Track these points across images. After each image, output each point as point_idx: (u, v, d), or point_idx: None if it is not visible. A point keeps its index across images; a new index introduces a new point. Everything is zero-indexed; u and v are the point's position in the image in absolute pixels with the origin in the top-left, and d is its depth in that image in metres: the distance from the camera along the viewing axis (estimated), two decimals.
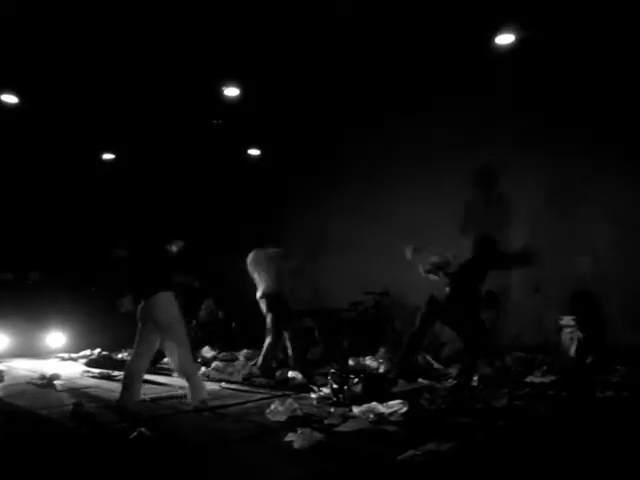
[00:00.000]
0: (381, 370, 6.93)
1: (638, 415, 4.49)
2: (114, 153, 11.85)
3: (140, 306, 5.26)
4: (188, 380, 5.19)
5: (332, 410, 4.88)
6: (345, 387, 5.23)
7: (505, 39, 7.65)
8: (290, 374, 6.68)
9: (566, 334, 7.42)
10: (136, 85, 8.82)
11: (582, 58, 7.79)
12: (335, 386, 5.33)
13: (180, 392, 5.87)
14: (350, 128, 10.48)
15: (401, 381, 6.10)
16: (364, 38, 7.75)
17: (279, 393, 5.84)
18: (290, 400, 4.94)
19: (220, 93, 9.10)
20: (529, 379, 6.07)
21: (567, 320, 7.50)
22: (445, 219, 9.23)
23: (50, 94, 9.05)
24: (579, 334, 7.21)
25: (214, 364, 7.69)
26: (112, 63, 8.20)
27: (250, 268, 7.41)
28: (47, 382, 6.50)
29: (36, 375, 6.78)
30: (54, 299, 10.16)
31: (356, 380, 5.28)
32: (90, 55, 7.99)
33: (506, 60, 7.94)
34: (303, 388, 6.05)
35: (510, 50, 7.74)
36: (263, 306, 7.17)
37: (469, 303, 6.24)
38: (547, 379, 5.98)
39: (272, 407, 4.75)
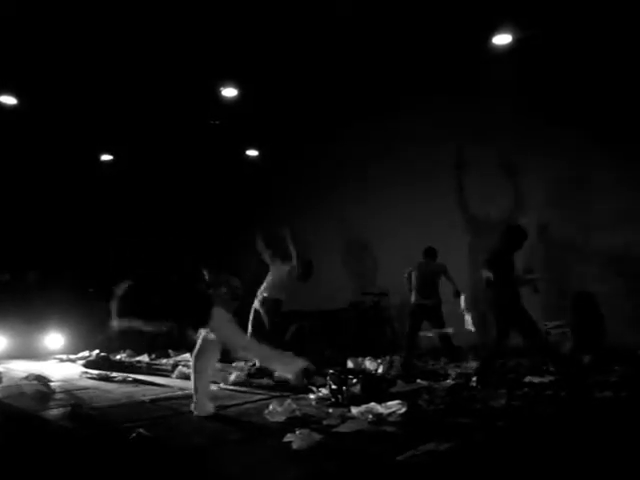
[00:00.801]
0: (380, 371, 6.93)
1: (636, 415, 4.50)
2: (113, 154, 11.85)
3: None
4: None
5: (331, 411, 4.87)
6: (344, 388, 5.23)
7: (502, 39, 7.67)
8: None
9: (555, 336, 7.44)
10: (133, 86, 8.82)
11: (578, 58, 7.81)
12: (334, 387, 5.33)
13: (179, 393, 5.88)
14: (349, 129, 10.49)
15: (400, 381, 6.11)
16: (361, 39, 7.77)
17: (277, 394, 5.83)
18: (289, 401, 4.94)
19: (218, 94, 9.11)
20: (528, 379, 6.07)
21: (552, 324, 7.54)
22: (443, 217, 9.29)
23: (49, 95, 9.05)
24: (568, 334, 7.24)
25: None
26: (110, 64, 8.21)
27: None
28: (42, 384, 6.46)
29: (32, 377, 6.74)
30: (52, 300, 10.14)
31: (355, 381, 5.28)
32: (89, 56, 8.00)
33: (503, 60, 7.98)
34: (302, 389, 6.04)
35: (507, 50, 7.77)
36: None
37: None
38: (546, 379, 5.98)
39: (270, 408, 4.74)
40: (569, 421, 4.29)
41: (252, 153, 12.19)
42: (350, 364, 7.42)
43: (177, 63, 8.23)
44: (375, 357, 7.63)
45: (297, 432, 3.92)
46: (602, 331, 7.14)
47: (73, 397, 5.96)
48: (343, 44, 7.91)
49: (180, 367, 7.48)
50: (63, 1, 6.82)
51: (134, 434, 4.00)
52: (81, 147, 11.06)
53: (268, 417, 4.66)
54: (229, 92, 9.13)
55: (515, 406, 4.83)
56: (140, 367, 8.26)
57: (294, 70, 8.59)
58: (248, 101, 9.34)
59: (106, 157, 11.92)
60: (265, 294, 7.74)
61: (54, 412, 5.19)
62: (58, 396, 6.02)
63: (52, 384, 6.50)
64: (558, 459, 3.41)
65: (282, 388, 6.21)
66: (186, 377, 6.99)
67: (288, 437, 3.89)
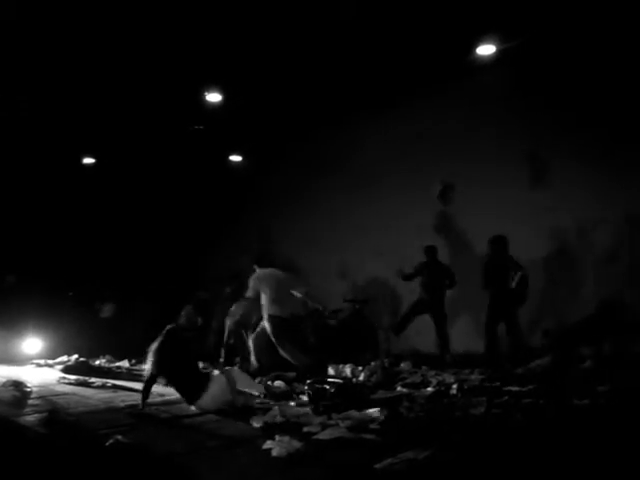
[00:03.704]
0: (361, 378, 6.93)
1: (613, 422, 4.53)
2: (95, 157, 11.77)
3: None
4: None
5: (311, 418, 4.86)
6: (323, 396, 5.22)
7: (486, 50, 7.76)
8: (271, 382, 6.66)
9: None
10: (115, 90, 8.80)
11: (561, 67, 7.90)
12: (312, 396, 5.32)
13: (158, 399, 5.83)
14: (333, 134, 10.54)
15: (380, 389, 6.12)
16: (345, 47, 7.82)
17: (258, 400, 5.81)
18: (271, 408, 4.94)
19: (202, 99, 9.09)
20: (507, 387, 6.09)
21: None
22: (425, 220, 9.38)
23: (30, 97, 8.97)
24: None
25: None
26: (94, 69, 8.17)
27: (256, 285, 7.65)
28: (19, 390, 6.34)
29: (9, 383, 6.63)
30: (31, 304, 10.01)
31: (334, 389, 5.27)
32: (73, 61, 7.95)
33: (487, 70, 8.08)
34: (283, 395, 6.03)
35: (491, 60, 7.87)
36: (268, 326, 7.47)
37: None
38: (525, 387, 6.01)
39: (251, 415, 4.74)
40: (546, 429, 4.31)
41: (234, 159, 12.21)
42: (331, 371, 7.42)
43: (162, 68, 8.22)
44: (357, 364, 7.63)
45: (277, 439, 3.91)
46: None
47: (50, 403, 5.90)
48: (330, 49, 7.94)
49: None
50: (46, 5, 6.76)
51: (111, 440, 3.95)
52: (62, 151, 10.98)
53: (249, 423, 4.64)
54: (213, 97, 9.10)
55: (494, 414, 4.84)
56: (120, 373, 8.16)
57: (277, 75, 8.61)
58: (231, 106, 9.33)
59: (88, 160, 11.82)
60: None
61: (30, 418, 5.12)
62: (35, 402, 5.94)
63: (29, 389, 6.40)
64: (535, 467, 3.43)
65: (264, 395, 6.18)
66: (166, 383, 6.94)
67: (268, 444, 3.87)
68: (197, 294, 10.29)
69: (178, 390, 5.57)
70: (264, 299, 7.55)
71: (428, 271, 8.61)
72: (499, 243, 7.85)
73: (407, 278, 8.83)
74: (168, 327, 5.74)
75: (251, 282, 7.69)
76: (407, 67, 8.33)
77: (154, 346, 5.54)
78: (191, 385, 5.45)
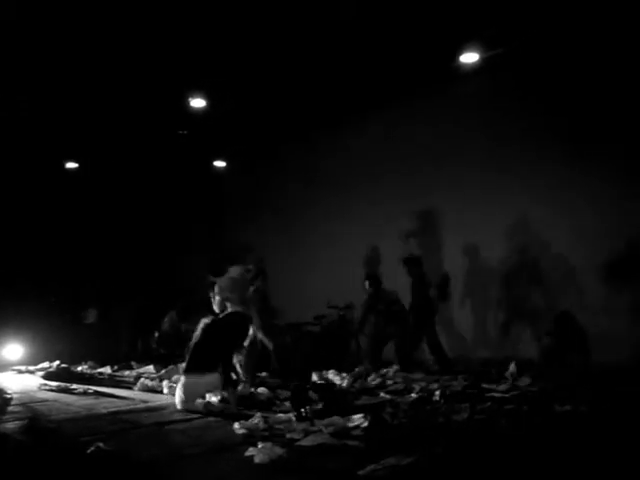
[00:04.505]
0: (344, 384, 6.93)
1: (591, 428, 4.58)
2: (76, 162, 11.70)
3: None
4: None
5: (294, 424, 4.86)
6: (306, 402, 5.21)
7: (469, 58, 7.82)
8: (254, 389, 6.63)
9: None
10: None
11: (543, 73, 7.98)
12: (295, 401, 5.31)
13: (141, 406, 5.79)
14: (313, 147, 10.58)
15: (363, 395, 6.13)
16: (327, 56, 7.85)
17: (241, 407, 5.78)
18: (253, 414, 4.92)
19: (186, 104, 9.08)
20: (490, 393, 6.13)
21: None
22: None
23: (16, 102, 8.92)
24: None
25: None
26: (79, 73, 8.14)
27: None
28: None
29: None
30: (12, 309, 9.92)
31: (317, 395, 5.27)
32: (56, 65, 7.92)
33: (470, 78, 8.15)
34: (266, 402, 6.01)
35: (474, 68, 7.94)
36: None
37: None
38: (508, 393, 6.05)
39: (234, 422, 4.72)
40: (529, 435, 4.34)
41: (218, 164, 12.22)
42: (315, 377, 7.41)
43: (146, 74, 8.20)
44: (340, 370, 7.63)
45: (259, 446, 3.89)
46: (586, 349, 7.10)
47: (31, 410, 5.84)
48: (312, 56, 7.96)
49: (143, 379, 7.35)
50: (29, 9, 6.72)
51: (93, 448, 3.91)
52: (43, 155, 10.90)
53: (231, 430, 4.63)
54: (197, 103, 9.09)
55: (477, 420, 4.87)
56: (102, 379, 8.12)
57: (264, 81, 8.63)
58: (216, 111, 9.33)
59: (69, 166, 11.73)
60: None
61: (10, 425, 5.07)
62: (15, 409, 5.89)
63: (9, 396, 6.35)
64: (519, 472, 3.45)
65: (247, 401, 6.16)
66: (149, 389, 6.91)
67: (250, 451, 3.85)
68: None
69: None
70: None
71: (383, 303, 8.41)
72: (412, 263, 8.23)
73: (362, 324, 8.71)
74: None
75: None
76: (401, 70, 8.35)
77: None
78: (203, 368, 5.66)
